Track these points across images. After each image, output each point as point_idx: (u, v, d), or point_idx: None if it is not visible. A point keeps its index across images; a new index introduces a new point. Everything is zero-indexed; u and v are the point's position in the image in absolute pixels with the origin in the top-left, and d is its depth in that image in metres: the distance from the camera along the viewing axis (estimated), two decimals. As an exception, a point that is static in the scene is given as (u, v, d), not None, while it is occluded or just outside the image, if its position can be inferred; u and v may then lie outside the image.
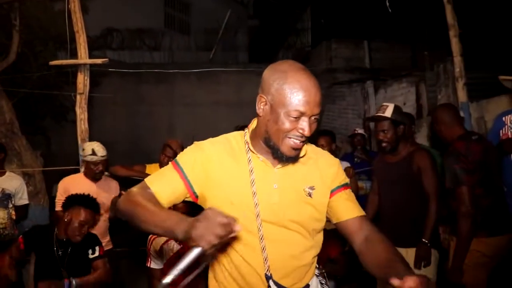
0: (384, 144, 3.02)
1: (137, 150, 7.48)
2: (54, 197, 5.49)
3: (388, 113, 3.01)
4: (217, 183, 1.51)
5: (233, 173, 1.52)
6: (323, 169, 1.60)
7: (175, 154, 4.32)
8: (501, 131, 3.05)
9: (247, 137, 1.58)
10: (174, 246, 3.24)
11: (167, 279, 1.24)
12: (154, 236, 3.28)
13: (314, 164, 1.60)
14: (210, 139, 1.61)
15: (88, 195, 3.25)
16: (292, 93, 1.43)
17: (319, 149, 1.69)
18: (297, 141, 1.47)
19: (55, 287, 2.85)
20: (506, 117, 3.07)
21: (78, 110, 3.87)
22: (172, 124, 8.48)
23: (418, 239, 2.87)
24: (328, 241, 1.83)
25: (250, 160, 1.53)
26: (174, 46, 9.85)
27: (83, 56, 3.85)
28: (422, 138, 6.02)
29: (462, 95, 4.51)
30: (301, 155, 1.54)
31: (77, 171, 4.17)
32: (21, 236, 3.23)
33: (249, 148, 1.55)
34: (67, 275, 3.06)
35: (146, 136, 7.81)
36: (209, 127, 8.75)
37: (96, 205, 3.20)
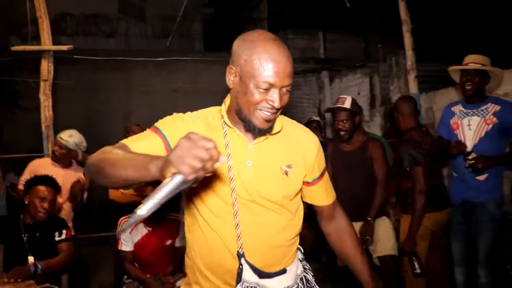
0: (342, 133, 3.40)
1: (93, 137, 7.38)
2: (8, 187, 5.39)
3: (347, 104, 3.38)
4: None
5: None
6: (305, 150, 1.57)
7: None
8: (451, 120, 3.31)
9: (223, 111, 1.52)
10: (144, 228, 3.33)
11: (142, 211, 1.02)
12: (124, 219, 3.36)
13: (294, 141, 1.56)
14: (189, 113, 1.56)
15: (46, 175, 3.30)
16: (261, 63, 1.37)
17: (299, 126, 1.63)
18: (268, 113, 1.41)
19: (21, 273, 2.85)
20: (455, 107, 3.33)
21: (42, 97, 3.84)
22: (128, 111, 8.40)
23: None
24: None
25: (226, 134, 1.48)
26: (130, 32, 9.71)
27: (46, 42, 3.81)
28: (375, 127, 6.33)
29: (413, 87, 4.82)
30: (276, 130, 1.50)
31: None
32: None
33: (225, 122, 1.49)
34: (33, 260, 3.08)
35: (102, 123, 7.71)
36: (166, 114, 8.75)
37: (54, 183, 3.24)
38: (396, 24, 5.11)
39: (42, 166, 3.81)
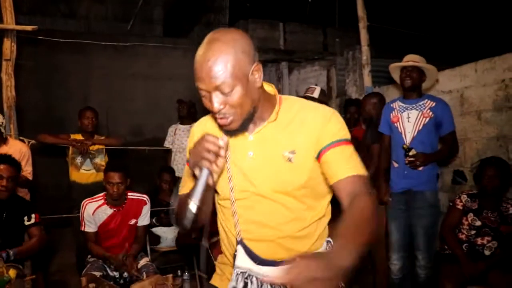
0: None
1: (51, 119, 7.28)
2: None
3: (316, 94, 3.68)
4: None
5: None
6: (309, 127, 1.44)
7: (92, 120, 4.47)
8: (391, 114, 3.61)
9: None
10: (107, 209, 3.43)
11: (193, 206, 1.28)
12: (87, 202, 3.44)
13: (299, 124, 1.45)
14: (199, 120, 1.67)
15: (2, 154, 3.31)
16: (195, 68, 1.34)
17: (311, 105, 1.51)
18: (219, 120, 1.37)
19: None
20: (394, 103, 3.66)
21: (4, 77, 3.81)
22: (87, 94, 8.29)
23: None
24: None
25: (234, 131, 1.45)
26: (91, 15, 9.53)
27: (9, 21, 3.79)
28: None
29: (367, 81, 5.10)
30: (272, 118, 1.46)
31: None
32: None
33: None
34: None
35: (61, 104, 7.60)
36: (125, 98, 8.69)
37: (11, 160, 3.24)
38: (354, 19, 5.35)
39: None
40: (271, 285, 1.46)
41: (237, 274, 1.50)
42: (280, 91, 8.86)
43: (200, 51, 1.34)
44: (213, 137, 1.31)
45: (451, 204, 3.49)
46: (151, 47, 8.78)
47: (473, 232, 3.30)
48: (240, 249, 1.49)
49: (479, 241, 3.27)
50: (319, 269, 1.06)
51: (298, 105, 1.49)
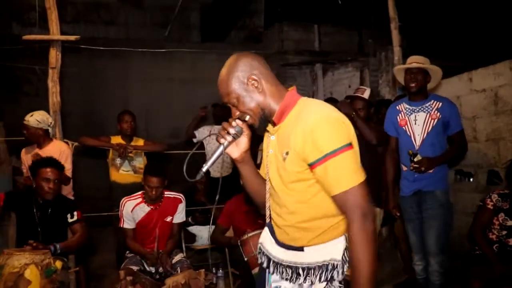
0: None
1: (93, 122, 7.60)
2: (14, 167, 5.63)
3: (366, 95, 3.83)
4: None
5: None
6: (300, 134, 1.60)
7: (131, 124, 4.67)
8: (397, 117, 3.55)
9: None
10: (145, 207, 3.62)
11: (204, 168, 1.64)
12: (126, 200, 3.64)
13: (295, 128, 1.64)
14: None
15: (49, 157, 3.52)
16: None
17: (311, 111, 1.65)
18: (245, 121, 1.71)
19: (42, 251, 3.06)
20: (400, 105, 3.59)
21: (50, 84, 4.07)
22: (126, 99, 8.59)
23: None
24: None
25: (268, 131, 1.81)
26: (129, 21, 9.88)
27: (55, 32, 4.04)
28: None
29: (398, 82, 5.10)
30: (282, 122, 1.70)
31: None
32: (3, 193, 3.46)
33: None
34: (42, 237, 3.34)
35: (101, 109, 7.91)
36: (163, 102, 8.95)
37: (57, 163, 3.44)
38: (388, 20, 5.34)
39: (27, 150, 4.13)
40: (275, 264, 1.75)
41: (260, 249, 1.88)
42: (315, 93, 8.92)
43: None
44: (229, 123, 1.69)
45: (481, 203, 3.47)
46: (188, 52, 8.99)
47: (504, 232, 3.28)
48: (266, 229, 1.84)
49: (510, 241, 3.25)
50: None
51: (304, 110, 1.67)
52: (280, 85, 1.75)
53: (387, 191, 3.67)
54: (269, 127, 1.78)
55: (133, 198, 3.65)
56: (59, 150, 4.02)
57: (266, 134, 1.83)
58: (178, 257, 3.64)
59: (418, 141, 3.42)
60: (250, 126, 1.73)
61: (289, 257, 1.71)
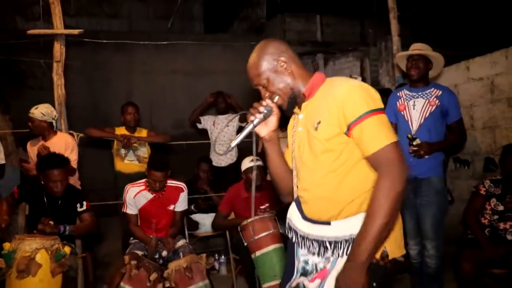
0: None
1: (97, 114, 7.71)
2: (20, 159, 5.76)
3: None
4: None
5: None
6: (332, 101, 1.66)
7: (134, 115, 4.78)
8: (397, 102, 3.59)
9: None
10: (148, 194, 3.74)
11: (233, 144, 1.76)
12: (130, 186, 3.76)
13: (325, 99, 1.72)
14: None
15: (55, 155, 3.60)
16: None
17: (343, 81, 1.74)
18: (273, 102, 1.82)
19: (51, 227, 3.23)
20: (401, 92, 3.64)
21: (55, 77, 4.18)
22: (130, 91, 8.69)
23: None
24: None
25: (295, 113, 1.90)
26: (132, 14, 9.96)
27: (59, 26, 4.14)
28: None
29: (397, 71, 5.18)
30: (310, 98, 1.80)
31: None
32: (16, 186, 3.60)
33: None
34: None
35: (105, 101, 8.01)
36: (166, 94, 9.04)
37: (61, 162, 3.51)
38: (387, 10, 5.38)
39: (33, 143, 4.25)
40: (302, 238, 1.81)
41: (288, 224, 1.93)
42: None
43: None
44: (259, 103, 1.80)
45: (474, 189, 3.57)
46: (191, 44, 9.05)
47: (495, 217, 3.38)
48: (293, 204, 1.91)
49: (501, 225, 3.36)
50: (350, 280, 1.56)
51: (333, 84, 1.75)
52: (306, 68, 1.87)
53: None
54: (296, 109, 1.87)
55: (136, 185, 3.77)
56: (64, 142, 4.14)
57: (293, 117, 1.93)
58: (180, 243, 3.77)
59: (415, 126, 3.45)
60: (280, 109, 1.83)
61: (316, 231, 1.75)
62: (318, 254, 1.73)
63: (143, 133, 4.99)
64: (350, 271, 1.58)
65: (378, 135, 1.59)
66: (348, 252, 1.64)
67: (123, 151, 4.84)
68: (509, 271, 3.27)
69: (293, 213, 1.90)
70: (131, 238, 3.82)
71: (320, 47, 9.12)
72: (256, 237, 3.42)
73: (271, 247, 3.40)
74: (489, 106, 4.53)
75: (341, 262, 1.66)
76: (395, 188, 1.54)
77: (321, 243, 1.72)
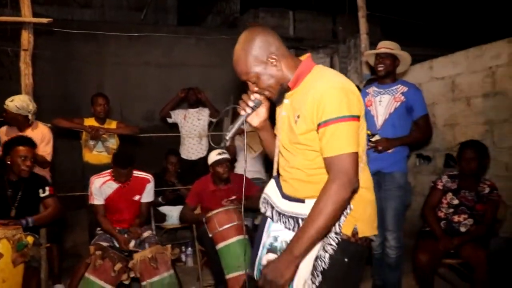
0: None
1: (67, 105, 7.62)
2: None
3: None
4: None
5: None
6: (311, 99, 1.69)
7: (104, 107, 4.79)
8: (365, 99, 3.68)
9: None
10: (113, 184, 3.76)
11: (227, 136, 1.84)
12: (95, 177, 3.78)
13: (307, 93, 1.73)
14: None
15: (22, 135, 3.65)
16: None
17: (325, 77, 1.75)
18: (262, 96, 1.87)
19: (13, 226, 3.18)
20: (369, 88, 3.76)
21: (22, 66, 4.12)
22: (101, 82, 8.60)
23: None
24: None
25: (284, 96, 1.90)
26: (105, 3, 9.84)
27: (27, 15, 4.08)
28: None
29: (365, 68, 5.29)
30: (294, 90, 1.81)
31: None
32: None
33: None
34: (15, 214, 3.45)
35: (76, 92, 7.92)
36: (138, 86, 8.99)
37: (31, 142, 3.53)
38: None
39: (9, 129, 4.19)
40: (278, 214, 1.89)
41: (264, 199, 2.01)
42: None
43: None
44: (248, 95, 1.87)
45: (433, 184, 3.72)
46: (165, 36, 9.01)
47: (451, 210, 3.54)
48: (272, 181, 2.00)
49: (456, 218, 3.51)
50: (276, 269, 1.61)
51: (318, 77, 1.77)
52: (292, 55, 1.86)
53: None
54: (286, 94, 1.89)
55: (101, 175, 3.79)
56: (41, 133, 4.12)
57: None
58: (146, 234, 3.80)
59: (380, 121, 3.56)
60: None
61: (292, 208, 1.82)
62: (293, 230, 1.79)
63: (112, 124, 4.99)
64: (280, 262, 1.63)
65: (339, 142, 1.62)
66: None
67: (91, 142, 4.84)
68: (462, 261, 3.43)
69: (271, 190, 1.98)
70: (98, 229, 3.84)
71: (292, 43, 9.21)
72: (220, 229, 3.49)
73: (235, 239, 3.47)
74: (450, 104, 4.70)
75: None
76: (341, 194, 1.59)
77: (295, 220, 1.79)
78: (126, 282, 3.43)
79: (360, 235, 1.76)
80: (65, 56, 8.13)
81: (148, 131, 6.22)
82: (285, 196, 1.88)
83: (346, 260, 1.72)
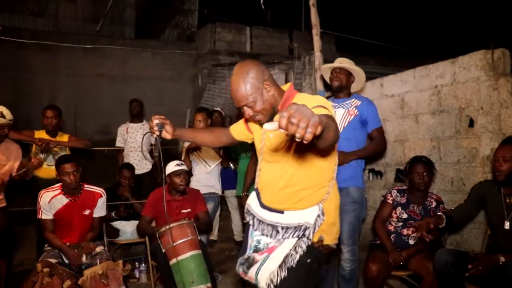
0: None
1: (17, 117, 7.36)
2: None
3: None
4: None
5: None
6: None
7: (52, 120, 4.66)
8: None
9: None
10: (63, 198, 3.66)
11: (156, 153, 2.45)
12: (44, 191, 3.67)
13: None
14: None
15: None
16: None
17: (307, 96, 2.17)
18: (254, 120, 2.19)
19: None
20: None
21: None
22: (54, 93, 8.42)
23: None
24: None
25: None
26: (60, 14, 9.64)
27: (-26, 23, 3.97)
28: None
29: (319, 84, 5.43)
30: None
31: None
32: None
33: None
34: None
35: (28, 103, 7.70)
36: (92, 98, 8.83)
37: None
38: (320, 24, 5.60)
39: None
40: (259, 222, 2.27)
41: (247, 209, 2.38)
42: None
43: (231, 77, 2.10)
44: (152, 123, 2.31)
45: (383, 198, 3.83)
46: (120, 49, 8.93)
47: (400, 224, 3.65)
48: (253, 193, 2.37)
49: (405, 231, 3.63)
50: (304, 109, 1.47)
51: (303, 98, 2.10)
52: (276, 82, 2.19)
53: None
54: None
55: (51, 189, 3.69)
56: (16, 150, 4.10)
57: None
58: (98, 249, 3.71)
59: None
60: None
61: (271, 218, 2.21)
62: (271, 236, 2.20)
63: (64, 137, 4.86)
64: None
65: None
66: (295, 235, 2.15)
67: (42, 156, 4.69)
68: (411, 273, 3.54)
69: (252, 201, 2.35)
70: (46, 245, 3.71)
71: (248, 58, 9.32)
72: (174, 244, 3.46)
73: (189, 254, 3.44)
74: (400, 121, 4.87)
75: (287, 241, 2.15)
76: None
77: (274, 228, 2.19)
78: (76, 300, 3.32)
79: (324, 243, 2.19)
80: (16, 65, 7.91)
81: (103, 144, 6.11)
82: (264, 206, 2.26)
83: (308, 261, 2.12)
